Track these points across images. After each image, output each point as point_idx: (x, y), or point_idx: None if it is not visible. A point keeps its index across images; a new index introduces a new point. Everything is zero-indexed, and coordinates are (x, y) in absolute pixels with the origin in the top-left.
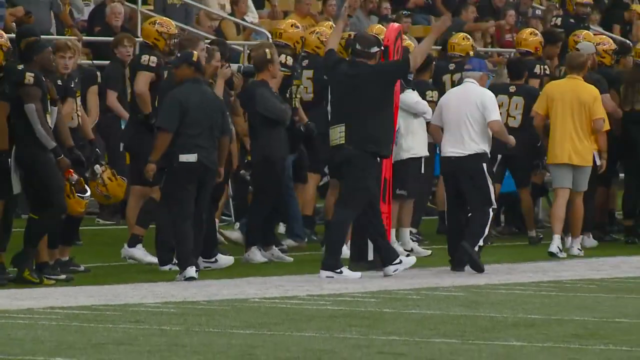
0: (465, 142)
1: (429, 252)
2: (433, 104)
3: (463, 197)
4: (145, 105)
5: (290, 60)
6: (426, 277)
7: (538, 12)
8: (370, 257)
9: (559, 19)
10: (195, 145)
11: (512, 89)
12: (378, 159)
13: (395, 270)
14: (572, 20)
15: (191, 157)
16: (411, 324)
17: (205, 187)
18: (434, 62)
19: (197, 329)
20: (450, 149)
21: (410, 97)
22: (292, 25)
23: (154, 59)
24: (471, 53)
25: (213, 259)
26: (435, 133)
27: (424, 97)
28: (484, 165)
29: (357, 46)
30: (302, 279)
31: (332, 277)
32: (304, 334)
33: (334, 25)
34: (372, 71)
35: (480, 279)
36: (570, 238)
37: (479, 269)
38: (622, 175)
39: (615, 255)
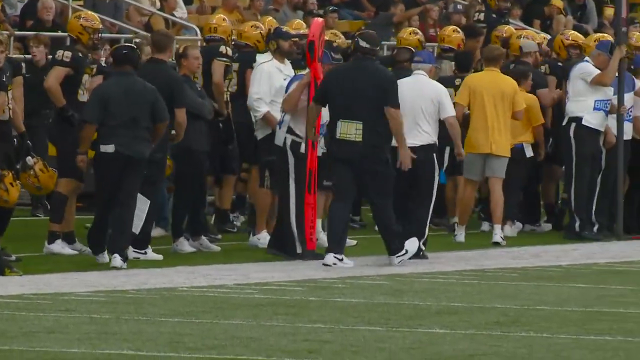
0: (420, 133)
1: (355, 242)
2: None
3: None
4: (56, 99)
5: (229, 51)
6: (351, 265)
7: (459, 6)
8: (299, 249)
9: (482, 14)
10: (114, 135)
11: (458, 81)
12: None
13: (400, 261)
14: (494, 16)
15: (109, 148)
16: (336, 312)
17: (130, 176)
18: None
19: (126, 317)
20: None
21: None
22: (224, 20)
23: (68, 53)
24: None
25: (143, 251)
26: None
27: None
28: (434, 155)
29: (364, 44)
30: (229, 268)
31: (402, 260)
32: (231, 322)
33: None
34: (375, 72)
35: (405, 268)
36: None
37: (424, 256)
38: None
39: (536, 244)
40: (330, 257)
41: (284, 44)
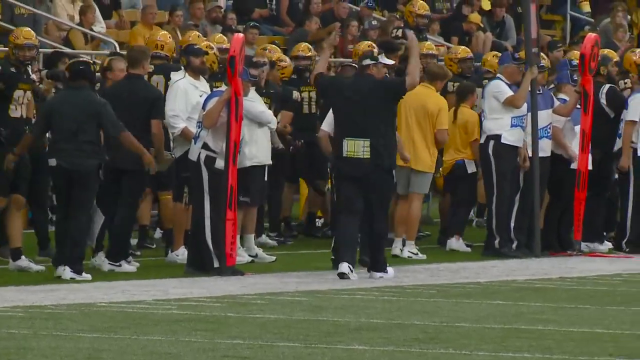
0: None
1: (274, 258)
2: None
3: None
4: None
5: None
6: (270, 282)
7: (375, 22)
8: (216, 264)
9: (400, 30)
10: (56, 149)
11: None
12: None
13: (380, 277)
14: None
15: (52, 162)
16: (255, 328)
17: (75, 189)
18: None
19: (44, 332)
20: None
21: (256, 106)
22: (169, 37)
23: None
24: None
25: (118, 264)
26: (324, 139)
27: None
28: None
29: (359, 62)
30: (148, 284)
31: (382, 276)
32: (150, 337)
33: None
34: (374, 86)
35: (324, 284)
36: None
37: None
38: None
39: (455, 261)
40: (345, 266)
41: (194, 60)
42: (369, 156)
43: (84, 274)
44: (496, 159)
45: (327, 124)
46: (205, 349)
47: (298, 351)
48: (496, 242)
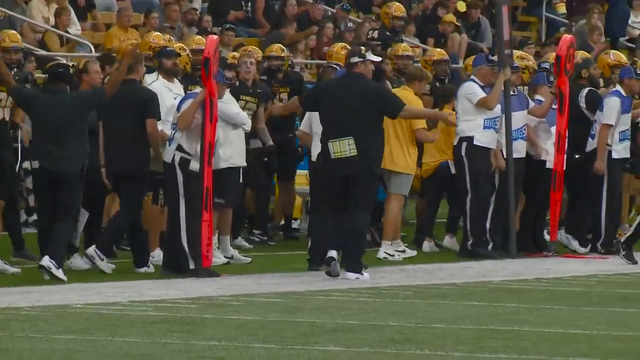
0: None
1: (249, 259)
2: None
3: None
4: None
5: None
6: (246, 283)
7: (350, 24)
8: (192, 265)
9: (376, 32)
10: (39, 152)
11: None
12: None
13: (356, 278)
14: (387, 33)
15: (34, 164)
16: (231, 330)
17: (60, 192)
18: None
19: (20, 334)
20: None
21: (230, 108)
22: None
23: None
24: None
25: (101, 257)
26: (305, 138)
27: None
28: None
29: (346, 60)
30: (123, 285)
31: (358, 278)
32: (126, 339)
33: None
34: (365, 85)
35: (299, 285)
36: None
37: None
38: None
39: (431, 262)
40: (334, 252)
41: (166, 62)
42: (355, 153)
43: (61, 271)
44: (469, 161)
45: (306, 126)
46: (180, 350)
47: (274, 352)
48: (469, 243)
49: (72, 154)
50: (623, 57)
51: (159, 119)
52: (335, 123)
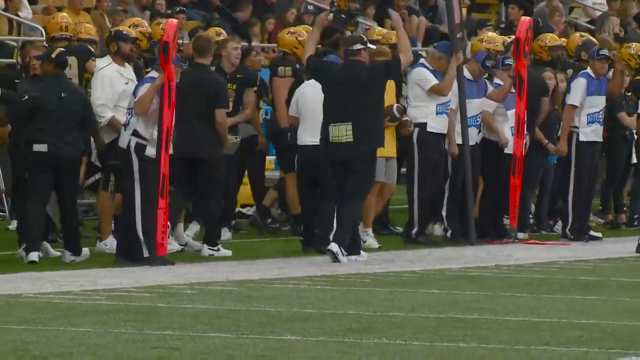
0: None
1: (202, 245)
2: None
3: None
4: None
5: None
6: (201, 271)
7: (310, 7)
8: (146, 253)
9: (331, 14)
10: (44, 136)
11: None
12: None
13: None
14: (343, 16)
15: (41, 147)
16: (186, 319)
17: (66, 178)
18: None
19: None
20: (309, 138)
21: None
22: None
23: None
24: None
25: (216, 248)
26: (294, 122)
27: None
28: None
29: (346, 46)
30: (76, 275)
31: (357, 259)
32: (79, 329)
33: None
34: (369, 70)
35: (254, 273)
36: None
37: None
38: None
39: (389, 250)
40: (335, 246)
41: (124, 46)
42: (352, 139)
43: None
44: (420, 147)
45: (294, 110)
46: (134, 340)
47: (229, 342)
48: (413, 231)
49: (75, 140)
50: (593, 40)
51: (228, 108)
52: (337, 107)
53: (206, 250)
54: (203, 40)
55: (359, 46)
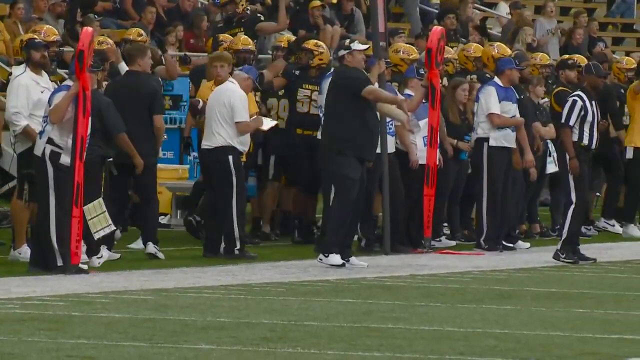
0: (214, 136)
1: (118, 255)
2: None
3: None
4: None
5: None
6: (115, 280)
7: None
8: (59, 262)
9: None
10: None
11: (281, 92)
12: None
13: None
14: (243, 20)
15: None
16: (100, 328)
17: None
18: None
19: None
20: (204, 142)
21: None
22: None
23: None
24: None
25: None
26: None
27: None
28: (230, 157)
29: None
30: None
31: (321, 260)
32: None
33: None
34: (341, 76)
35: (169, 282)
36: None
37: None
38: None
39: (304, 259)
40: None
41: (35, 54)
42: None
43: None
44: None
45: None
46: (49, 349)
47: (144, 351)
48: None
49: (93, 144)
50: (507, 50)
51: (164, 113)
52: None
53: (151, 247)
54: (132, 48)
55: (342, 52)
